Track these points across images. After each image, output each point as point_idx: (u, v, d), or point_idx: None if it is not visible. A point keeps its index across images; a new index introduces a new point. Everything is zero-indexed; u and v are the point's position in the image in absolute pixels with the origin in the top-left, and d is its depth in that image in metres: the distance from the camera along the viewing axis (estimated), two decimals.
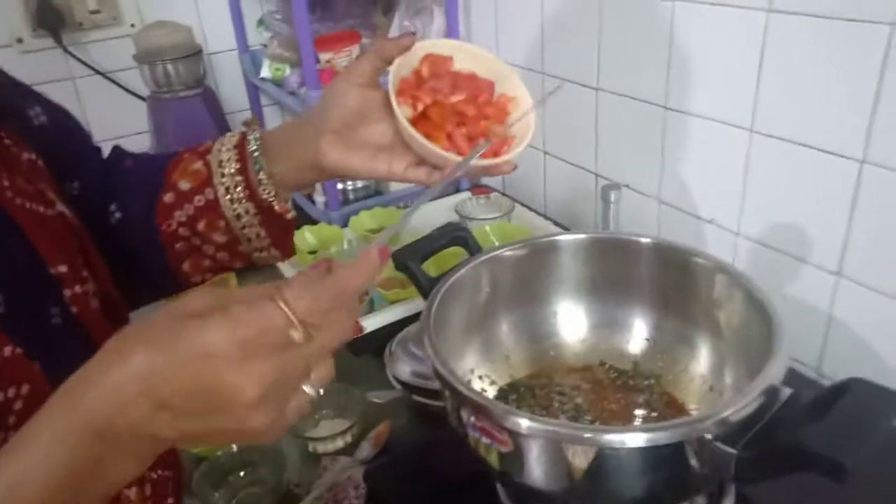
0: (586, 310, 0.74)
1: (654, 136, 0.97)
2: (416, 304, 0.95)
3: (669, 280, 0.69)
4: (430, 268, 0.96)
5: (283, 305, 0.38)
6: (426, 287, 0.69)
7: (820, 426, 0.46)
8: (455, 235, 0.74)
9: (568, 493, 0.52)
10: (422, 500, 0.71)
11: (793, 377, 0.83)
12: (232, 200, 0.63)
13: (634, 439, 0.48)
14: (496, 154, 0.58)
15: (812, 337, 0.83)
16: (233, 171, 0.62)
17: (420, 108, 0.58)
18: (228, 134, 0.65)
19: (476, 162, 0.55)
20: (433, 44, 0.60)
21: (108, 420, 0.36)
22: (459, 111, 0.59)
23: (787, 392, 0.53)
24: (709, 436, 0.48)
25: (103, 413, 0.36)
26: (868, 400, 0.47)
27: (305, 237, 1.17)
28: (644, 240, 0.70)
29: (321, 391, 0.41)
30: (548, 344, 0.74)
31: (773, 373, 0.52)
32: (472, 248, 0.74)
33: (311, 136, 0.61)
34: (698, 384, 0.68)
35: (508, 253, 0.72)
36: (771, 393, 0.52)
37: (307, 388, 0.40)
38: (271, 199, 0.63)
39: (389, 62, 0.58)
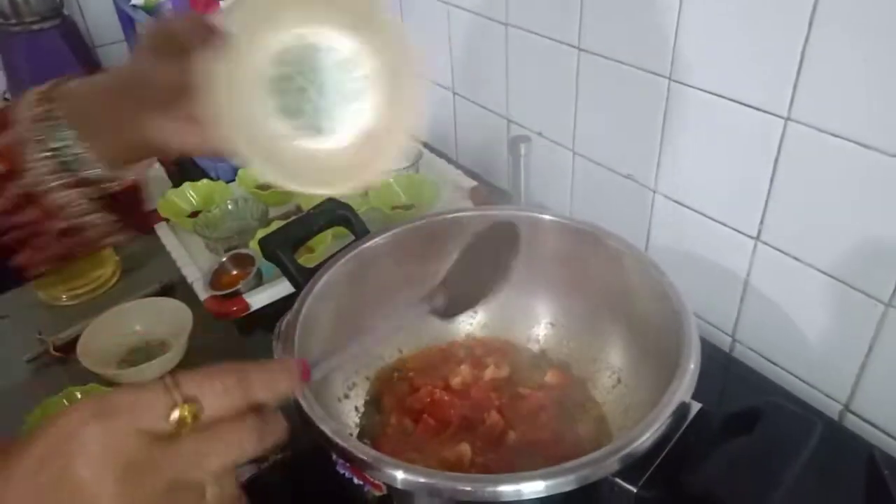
0: None
1: (568, 79, 0.87)
2: None
3: (575, 262, 0.62)
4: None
5: (167, 380, 0.31)
6: (299, 281, 0.60)
7: (729, 464, 0.40)
8: (336, 215, 0.64)
9: None
10: None
11: (706, 347, 0.79)
12: (50, 190, 0.50)
13: (530, 488, 0.41)
14: None
15: (728, 302, 0.78)
16: (40, 154, 0.49)
17: None
18: (30, 95, 0.50)
19: None
20: None
21: None
22: None
23: (696, 408, 0.47)
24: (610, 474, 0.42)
25: None
26: (782, 429, 0.41)
27: (188, 195, 1.04)
28: (547, 217, 0.62)
29: None
30: (445, 332, 0.67)
31: (682, 390, 0.46)
32: (357, 228, 0.65)
33: (133, 110, 0.48)
34: (606, 376, 0.62)
35: (395, 236, 0.63)
36: (680, 411, 0.46)
37: None
38: (106, 184, 0.51)
39: None
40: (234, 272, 0.90)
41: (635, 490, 0.42)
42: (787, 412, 0.42)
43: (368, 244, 0.61)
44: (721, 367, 0.77)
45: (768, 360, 0.76)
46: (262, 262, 0.89)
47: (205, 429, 0.31)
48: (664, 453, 0.43)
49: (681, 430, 0.45)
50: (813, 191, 0.65)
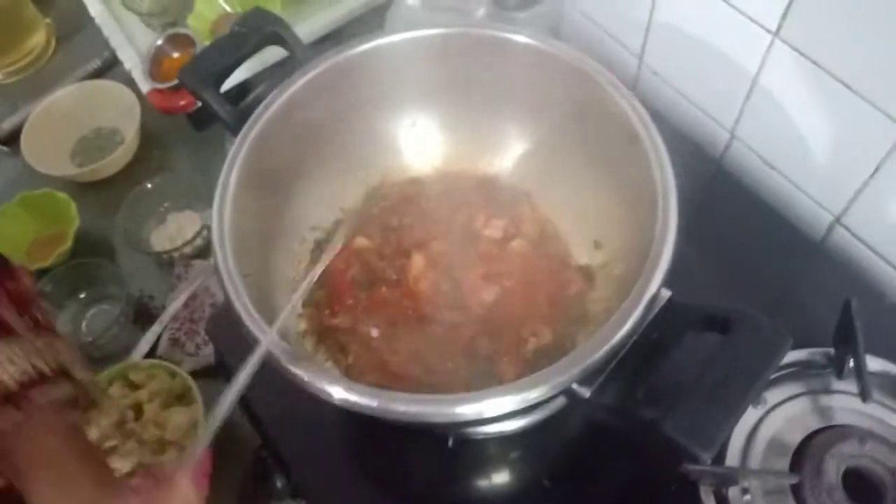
0: (452, 119, 0.58)
1: None
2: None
3: (553, 93, 0.53)
4: None
5: None
6: (232, 122, 0.52)
7: (680, 393, 0.38)
8: (267, 32, 0.53)
9: None
10: None
11: (698, 154, 0.73)
12: None
13: (490, 408, 0.39)
14: None
15: (733, 96, 0.69)
16: None
17: None
18: None
19: None
20: None
21: None
22: None
23: (665, 296, 0.43)
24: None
25: None
26: (749, 348, 0.38)
27: None
28: (520, 39, 0.51)
29: None
30: (406, 162, 0.60)
31: (650, 290, 0.42)
32: (293, 46, 0.54)
33: None
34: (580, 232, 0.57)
35: (345, 58, 0.53)
36: (648, 305, 0.42)
37: None
38: None
39: None
40: (175, 55, 0.79)
41: (588, 397, 0.40)
42: (756, 335, 0.38)
43: (316, 70, 0.52)
44: (711, 176, 0.72)
45: (766, 163, 0.70)
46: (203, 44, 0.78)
47: None
48: (622, 353, 0.41)
49: (645, 324, 0.42)
50: None
